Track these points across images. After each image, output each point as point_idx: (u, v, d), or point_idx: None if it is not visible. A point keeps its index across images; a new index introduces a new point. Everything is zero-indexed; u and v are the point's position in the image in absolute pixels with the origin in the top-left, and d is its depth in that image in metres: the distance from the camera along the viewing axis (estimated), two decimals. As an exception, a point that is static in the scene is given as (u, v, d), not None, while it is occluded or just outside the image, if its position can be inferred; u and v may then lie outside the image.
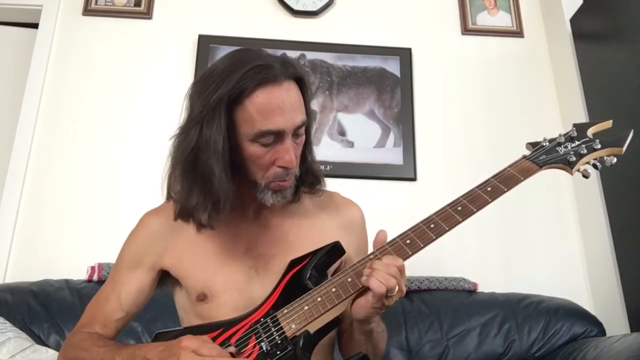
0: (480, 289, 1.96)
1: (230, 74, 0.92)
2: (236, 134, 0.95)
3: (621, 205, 1.90)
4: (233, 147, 0.95)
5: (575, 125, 1.06)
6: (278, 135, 0.94)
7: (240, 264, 1.05)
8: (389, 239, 0.95)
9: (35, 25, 2.30)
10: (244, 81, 0.91)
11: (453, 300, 1.85)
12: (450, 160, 2.23)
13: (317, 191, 1.10)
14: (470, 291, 1.92)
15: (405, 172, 2.19)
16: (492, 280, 2.01)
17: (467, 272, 1.99)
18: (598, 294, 2.03)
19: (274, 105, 0.92)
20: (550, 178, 2.09)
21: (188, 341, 0.85)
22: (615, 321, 1.87)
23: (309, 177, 1.08)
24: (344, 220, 1.15)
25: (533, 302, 1.85)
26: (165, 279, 1.10)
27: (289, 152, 0.95)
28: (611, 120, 1.06)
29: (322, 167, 2.06)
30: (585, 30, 2.18)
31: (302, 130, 0.99)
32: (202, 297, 1.02)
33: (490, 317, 1.80)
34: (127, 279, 1.07)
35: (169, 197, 1.04)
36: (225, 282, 1.03)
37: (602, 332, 1.80)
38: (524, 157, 1.02)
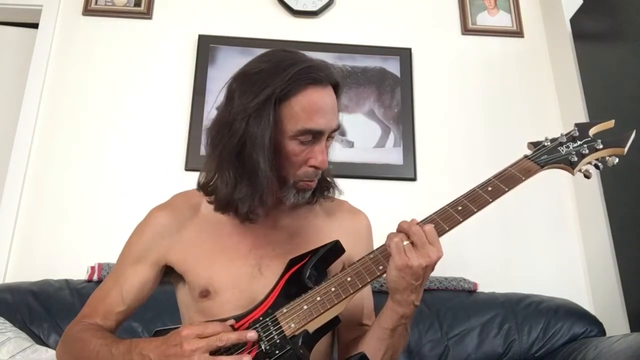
0: (480, 289, 1.95)
1: (282, 71, 0.95)
2: (277, 131, 0.96)
3: (621, 206, 1.90)
4: (272, 146, 0.96)
5: (577, 124, 1.05)
6: (316, 136, 0.97)
7: (244, 262, 1.05)
8: None
9: (35, 25, 2.30)
10: (296, 79, 0.94)
11: (453, 300, 1.85)
12: (450, 160, 2.23)
13: (331, 194, 1.12)
14: (470, 291, 1.92)
15: (405, 172, 2.19)
16: (492, 280, 2.01)
17: (467, 272, 1.99)
18: (598, 294, 2.03)
19: (319, 105, 0.96)
20: (550, 178, 2.08)
21: (188, 329, 0.85)
22: (615, 321, 1.87)
23: (324, 183, 1.10)
24: (351, 227, 1.16)
25: (533, 302, 1.85)
26: (168, 274, 1.11)
27: (324, 154, 0.99)
28: (613, 120, 1.05)
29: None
30: (585, 30, 2.18)
31: (335, 134, 1.03)
32: (205, 294, 1.02)
33: (490, 317, 1.80)
34: (130, 272, 1.07)
35: (204, 187, 1.05)
36: (229, 279, 1.03)
37: (602, 332, 1.79)
38: (526, 156, 1.01)
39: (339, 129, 1.03)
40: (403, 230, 0.91)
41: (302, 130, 0.95)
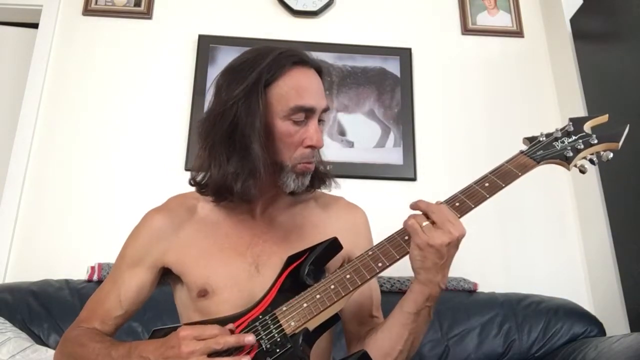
0: (480, 289, 1.95)
1: (265, 57, 0.99)
2: (268, 114, 0.98)
3: (621, 205, 1.90)
4: (265, 128, 0.98)
5: (571, 119, 1.05)
6: (308, 114, 0.99)
7: (242, 260, 1.05)
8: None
9: (35, 25, 2.31)
10: (281, 59, 0.98)
11: (453, 300, 1.85)
12: (450, 160, 2.23)
13: (328, 184, 1.13)
14: (470, 291, 1.92)
15: (405, 172, 2.19)
16: (492, 280, 2.01)
17: (467, 272, 1.99)
18: (598, 294, 2.03)
19: (307, 83, 1.00)
20: (549, 177, 2.10)
21: (186, 330, 0.85)
22: (615, 321, 1.87)
23: (320, 173, 1.10)
24: (348, 223, 1.16)
25: (533, 302, 1.85)
26: (165, 276, 1.11)
27: (318, 132, 1.00)
28: (607, 115, 1.05)
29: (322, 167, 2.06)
30: (585, 30, 2.19)
31: (325, 116, 1.04)
32: (203, 293, 1.02)
33: (490, 317, 1.80)
34: (127, 276, 1.07)
35: (197, 182, 1.07)
36: (227, 278, 1.03)
37: (602, 332, 1.79)
38: (521, 152, 1.02)
39: (329, 110, 1.04)
40: (421, 209, 0.91)
41: (294, 107, 0.97)
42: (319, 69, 1.06)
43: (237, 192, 0.99)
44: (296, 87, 0.98)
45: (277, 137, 0.99)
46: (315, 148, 1.01)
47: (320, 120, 1.03)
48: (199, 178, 1.08)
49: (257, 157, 0.96)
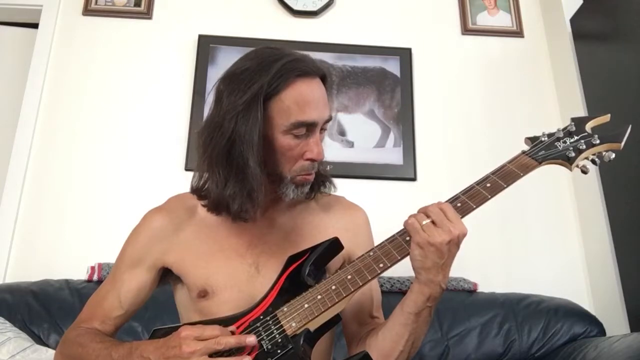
0: (480, 289, 1.96)
1: (268, 66, 0.95)
2: (269, 126, 0.96)
3: (621, 205, 1.90)
4: (264, 140, 0.96)
5: (573, 119, 1.04)
6: (310, 128, 0.97)
7: (241, 261, 1.05)
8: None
9: (35, 25, 2.31)
10: (284, 72, 0.95)
11: (453, 300, 1.85)
12: (450, 160, 2.23)
13: (328, 189, 1.12)
14: (470, 291, 1.92)
15: (405, 172, 2.19)
16: (492, 280, 2.01)
17: (467, 272, 1.99)
18: (598, 294, 2.03)
19: (310, 97, 0.96)
20: (550, 178, 2.10)
21: (187, 330, 0.85)
22: (615, 321, 1.87)
23: (320, 176, 1.10)
24: (349, 222, 1.15)
25: (533, 302, 1.85)
26: (166, 276, 1.11)
27: (319, 145, 0.99)
28: (609, 115, 1.05)
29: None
30: (585, 30, 2.19)
31: (327, 125, 1.03)
32: (203, 294, 1.02)
33: (490, 317, 1.80)
34: (127, 277, 1.07)
35: (197, 190, 1.06)
36: (227, 279, 1.03)
37: (602, 332, 1.80)
38: (523, 152, 1.01)
39: (331, 120, 1.03)
40: (421, 210, 0.92)
41: (295, 123, 0.95)
42: (324, 76, 1.03)
43: (234, 213, 0.99)
44: (298, 102, 0.95)
45: (277, 150, 0.98)
46: (315, 161, 1.00)
47: (322, 129, 1.01)
48: (199, 185, 1.07)
49: (254, 179, 0.95)
